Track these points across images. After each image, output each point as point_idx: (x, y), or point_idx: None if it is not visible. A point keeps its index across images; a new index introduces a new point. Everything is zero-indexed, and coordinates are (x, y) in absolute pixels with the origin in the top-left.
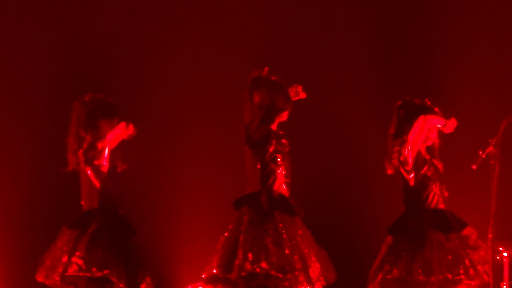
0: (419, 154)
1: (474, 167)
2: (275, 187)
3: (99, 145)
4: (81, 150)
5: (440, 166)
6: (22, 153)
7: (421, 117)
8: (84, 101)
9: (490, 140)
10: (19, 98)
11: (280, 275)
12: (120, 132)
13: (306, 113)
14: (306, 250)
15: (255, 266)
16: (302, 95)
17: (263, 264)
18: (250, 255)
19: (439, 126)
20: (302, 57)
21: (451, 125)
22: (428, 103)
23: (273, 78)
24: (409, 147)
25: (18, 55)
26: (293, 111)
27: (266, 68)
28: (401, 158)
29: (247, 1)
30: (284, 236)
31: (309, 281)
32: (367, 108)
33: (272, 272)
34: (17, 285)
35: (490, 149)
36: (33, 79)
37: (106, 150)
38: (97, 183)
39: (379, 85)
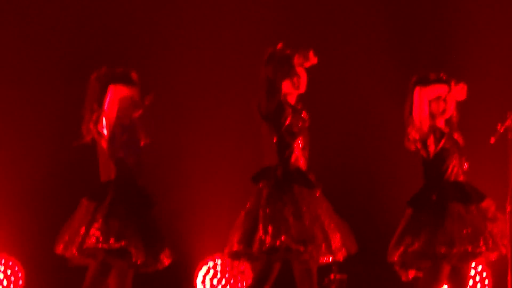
0: (435, 127)
1: (492, 140)
2: (292, 160)
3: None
4: (91, 122)
5: (459, 139)
6: (42, 126)
7: (417, 89)
8: (99, 73)
9: (508, 113)
10: (36, 71)
11: (301, 248)
12: (114, 96)
13: (323, 88)
14: (326, 222)
15: (275, 240)
16: (313, 60)
17: (283, 238)
18: (270, 229)
19: (444, 94)
20: (318, 32)
21: (459, 90)
22: (444, 77)
23: (286, 52)
24: (416, 124)
25: (34, 28)
26: (311, 87)
27: (280, 44)
28: (410, 137)
29: None
30: (304, 208)
31: (331, 251)
32: (387, 82)
33: (293, 246)
34: (39, 258)
35: (509, 122)
36: (51, 52)
37: (103, 119)
38: (111, 154)
39: (400, 58)
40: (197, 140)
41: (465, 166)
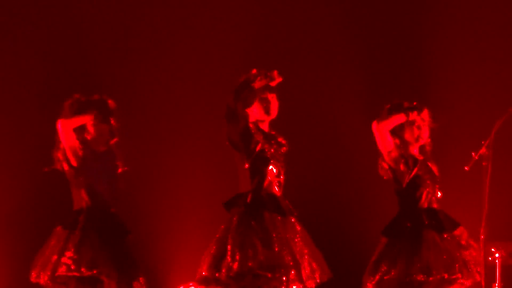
0: (408, 155)
1: (467, 168)
2: (264, 186)
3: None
4: (59, 151)
5: (433, 167)
6: (15, 154)
7: (374, 124)
8: (71, 101)
9: (483, 142)
10: (13, 96)
11: (269, 275)
12: (64, 130)
13: (298, 114)
14: (298, 249)
15: (242, 266)
16: (278, 79)
17: (250, 264)
18: (237, 255)
19: (404, 121)
20: (293, 57)
21: (417, 115)
22: (418, 105)
23: (248, 77)
24: (384, 156)
25: (11, 53)
26: (286, 112)
27: (254, 70)
28: (381, 167)
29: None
30: (273, 235)
31: (301, 279)
32: (362, 109)
33: (260, 272)
34: (15, 285)
35: (483, 150)
36: (27, 78)
37: (64, 150)
38: (77, 183)
39: (375, 85)
40: (172, 168)
41: (439, 194)
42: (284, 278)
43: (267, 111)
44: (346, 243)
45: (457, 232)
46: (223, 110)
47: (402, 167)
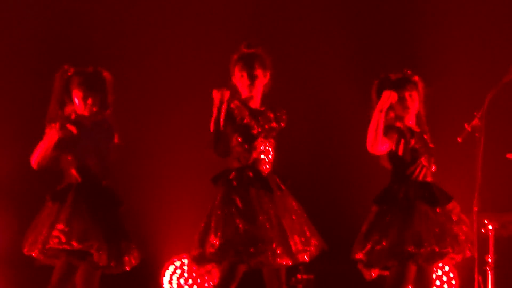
0: (406, 127)
1: (459, 139)
2: (249, 162)
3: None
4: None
5: (429, 139)
6: (7, 125)
7: (368, 148)
8: (60, 72)
9: (475, 113)
10: (3, 69)
11: (251, 249)
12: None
13: (288, 91)
14: (287, 224)
15: (223, 242)
16: (243, 50)
17: (231, 239)
18: (219, 231)
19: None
20: (282, 33)
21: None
22: (409, 72)
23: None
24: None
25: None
26: (277, 87)
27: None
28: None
29: None
30: (257, 210)
31: (291, 254)
32: (353, 81)
33: (242, 247)
34: (7, 256)
35: (476, 122)
36: (22, 48)
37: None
38: (67, 162)
39: (366, 52)
40: (165, 140)
41: (433, 168)
42: (269, 253)
43: (248, 87)
44: (337, 213)
45: (449, 206)
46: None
47: (398, 137)
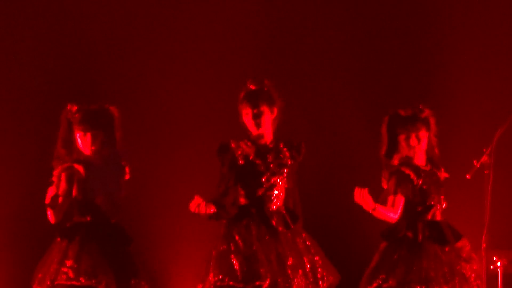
0: (414, 167)
1: (468, 176)
2: (255, 199)
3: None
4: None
5: (441, 175)
6: (16, 163)
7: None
8: (64, 112)
9: (484, 150)
10: (11, 105)
11: (240, 285)
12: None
13: (300, 120)
14: (290, 261)
15: (216, 278)
16: (249, 87)
17: (221, 277)
18: (216, 268)
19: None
20: (294, 60)
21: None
22: (420, 107)
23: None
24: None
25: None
26: (286, 117)
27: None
28: (383, 183)
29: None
30: (255, 248)
31: None
32: (363, 117)
33: (234, 284)
34: None
35: (485, 158)
36: (28, 81)
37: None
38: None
39: (375, 87)
40: (174, 174)
41: (444, 205)
42: None
43: (255, 125)
44: (344, 248)
45: (459, 244)
46: (224, 114)
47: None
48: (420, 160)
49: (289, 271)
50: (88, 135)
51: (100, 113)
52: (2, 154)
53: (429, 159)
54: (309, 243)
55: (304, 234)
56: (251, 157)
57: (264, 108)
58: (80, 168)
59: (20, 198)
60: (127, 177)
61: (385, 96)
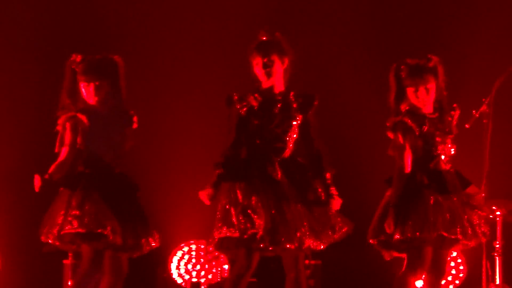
0: (419, 116)
1: (467, 126)
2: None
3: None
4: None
5: (451, 121)
6: (20, 113)
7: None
8: (69, 62)
9: (483, 100)
10: (14, 59)
11: (237, 234)
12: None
13: (304, 77)
14: (294, 212)
15: (216, 232)
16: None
17: (224, 229)
18: (218, 222)
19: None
20: (298, 20)
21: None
22: (429, 56)
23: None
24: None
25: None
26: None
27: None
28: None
29: None
30: (253, 198)
31: (274, 242)
32: (368, 70)
33: (228, 234)
34: (17, 245)
35: (484, 108)
36: (29, 36)
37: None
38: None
39: (382, 44)
40: (177, 127)
41: (452, 151)
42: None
43: (265, 74)
44: (346, 198)
45: (470, 191)
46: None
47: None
48: (427, 108)
49: (292, 222)
50: (92, 85)
51: (104, 62)
52: (8, 105)
53: (438, 106)
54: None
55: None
56: (256, 109)
57: (275, 58)
58: (83, 117)
59: (25, 149)
60: (134, 126)
61: (392, 45)
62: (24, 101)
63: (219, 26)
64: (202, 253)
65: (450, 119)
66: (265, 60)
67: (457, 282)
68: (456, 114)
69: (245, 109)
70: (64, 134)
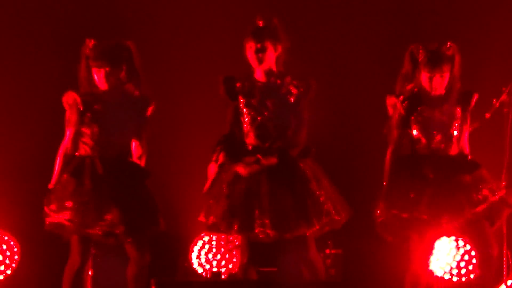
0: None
1: (487, 115)
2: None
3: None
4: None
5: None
6: (32, 102)
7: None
8: (83, 47)
9: (503, 89)
10: (29, 47)
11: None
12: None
13: (315, 60)
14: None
15: (203, 220)
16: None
17: (211, 218)
18: (205, 211)
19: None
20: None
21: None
22: (448, 44)
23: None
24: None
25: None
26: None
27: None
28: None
29: None
30: (238, 186)
31: (242, 228)
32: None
33: (210, 222)
34: (34, 232)
35: (504, 97)
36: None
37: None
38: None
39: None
40: (197, 113)
41: (455, 133)
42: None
43: (256, 59)
44: (365, 187)
45: (478, 172)
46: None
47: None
48: (437, 92)
49: (281, 210)
50: (102, 71)
51: (116, 48)
52: (23, 90)
53: (447, 92)
54: (316, 177)
55: (306, 167)
56: (247, 94)
57: (268, 44)
58: (77, 98)
59: (42, 142)
60: (148, 113)
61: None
62: (38, 91)
63: (233, 18)
64: (222, 243)
65: (458, 103)
66: (258, 45)
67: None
68: (473, 99)
69: (240, 93)
70: (67, 114)
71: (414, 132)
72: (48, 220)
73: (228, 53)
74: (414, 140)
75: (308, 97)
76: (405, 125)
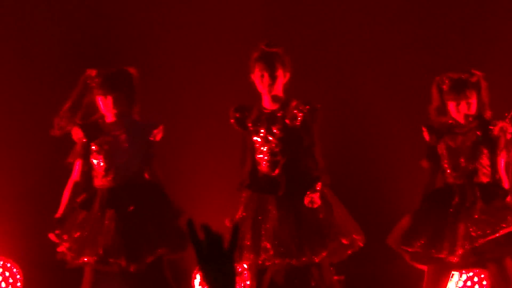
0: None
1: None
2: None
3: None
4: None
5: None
6: (39, 126)
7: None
8: (83, 77)
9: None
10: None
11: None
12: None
13: (329, 87)
14: (267, 227)
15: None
16: (264, 49)
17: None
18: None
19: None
20: (326, 27)
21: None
22: (472, 71)
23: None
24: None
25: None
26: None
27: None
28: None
29: None
30: (245, 214)
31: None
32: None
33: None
34: (37, 259)
35: None
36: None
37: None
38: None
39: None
40: (205, 136)
41: (484, 163)
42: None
43: (268, 87)
44: (369, 213)
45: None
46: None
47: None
48: (467, 120)
49: (264, 237)
50: (109, 97)
51: (120, 75)
52: (26, 118)
53: (478, 117)
54: (326, 203)
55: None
56: (255, 123)
57: (280, 73)
58: (79, 132)
59: (49, 163)
60: (157, 138)
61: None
62: (45, 114)
63: (234, 33)
64: None
65: (493, 130)
66: (271, 74)
67: None
68: (497, 127)
69: (249, 122)
70: (76, 146)
71: (443, 162)
72: (60, 249)
73: (233, 75)
74: (443, 170)
75: (316, 120)
76: (434, 156)
